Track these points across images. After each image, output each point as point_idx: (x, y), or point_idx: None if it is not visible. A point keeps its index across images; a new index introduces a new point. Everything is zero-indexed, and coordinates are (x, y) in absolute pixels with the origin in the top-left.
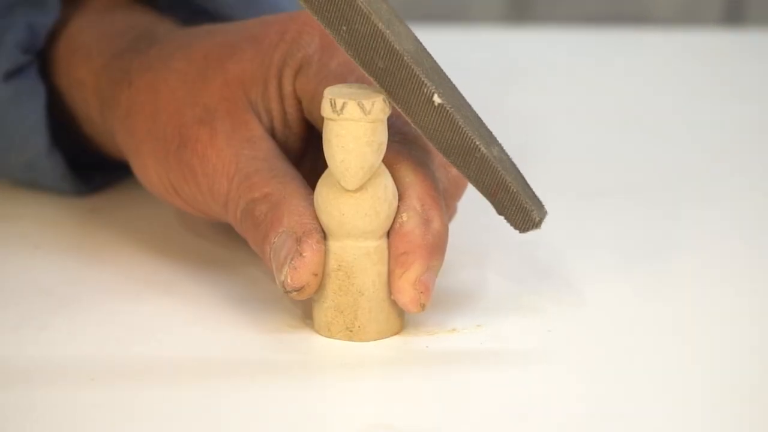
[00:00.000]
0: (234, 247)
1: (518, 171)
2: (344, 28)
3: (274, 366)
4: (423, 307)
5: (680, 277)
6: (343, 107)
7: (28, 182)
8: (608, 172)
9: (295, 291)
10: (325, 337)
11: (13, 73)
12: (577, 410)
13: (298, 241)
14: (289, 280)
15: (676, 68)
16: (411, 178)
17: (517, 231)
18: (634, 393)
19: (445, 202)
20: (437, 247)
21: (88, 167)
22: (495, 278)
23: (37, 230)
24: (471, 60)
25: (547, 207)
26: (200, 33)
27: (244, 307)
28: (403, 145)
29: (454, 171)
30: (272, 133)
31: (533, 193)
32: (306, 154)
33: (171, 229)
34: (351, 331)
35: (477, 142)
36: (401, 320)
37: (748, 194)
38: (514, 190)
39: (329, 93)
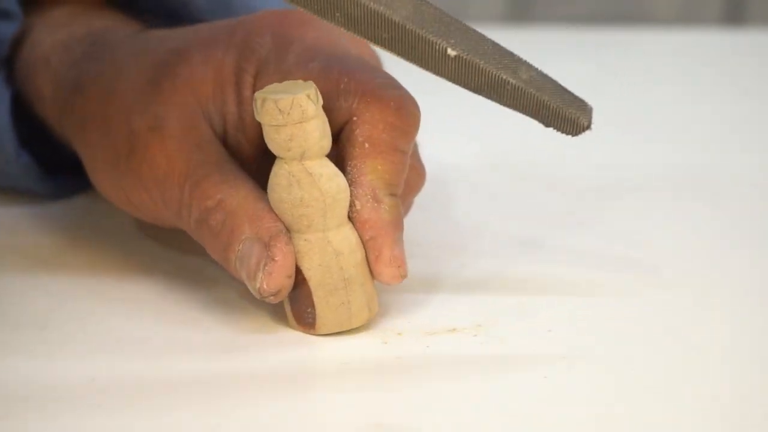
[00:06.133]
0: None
1: (552, 81)
2: (338, 14)
3: (272, 366)
4: (404, 277)
5: (680, 277)
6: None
7: (6, 188)
8: (607, 171)
9: (272, 295)
10: (313, 334)
11: None
12: (577, 410)
13: (267, 246)
14: (265, 286)
15: (676, 68)
16: (366, 164)
17: (570, 135)
18: (635, 393)
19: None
20: (395, 221)
21: (66, 169)
22: (495, 278)
23: (38, 230)
24: None
25: (547, 207)
26: (152, 39)
27: (238, 310)
28: (372, 127)
29: (417, 164)
30: (224, 137)
31: (573, 96)
32: (257, 160)
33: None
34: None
35: (503, 76)
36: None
37: (748, 194)
38: (554, 106)
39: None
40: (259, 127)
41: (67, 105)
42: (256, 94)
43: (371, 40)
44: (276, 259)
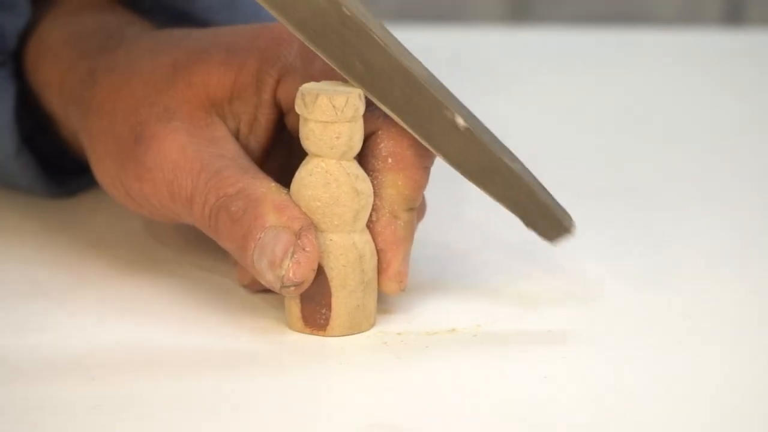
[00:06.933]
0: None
1: (540, 183)
2: (358, 64)
3: (273, 367)
4: (402, 291)
5: (680, 277)
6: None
7: (5, 185)
8: (608, 172)
9: (295, 286)
10: (319, 335)
11: None
12: (576, 410)
13: (298, 235)
14: (291, 275)
15: (676, 68)
16: (387, 178)
17: (548, 241)
18: (635, 393)
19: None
20: (408, 237)
21: (66, 170)
22: (495, 278)
23: (38, 230)
24: (471, 60)
25: None
26: (170, 38)
27: (240, 312)
28: (396, 143)
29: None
30: (236, 138)
31: (557, 203)
32: (263, 162)
33: (172, 228)
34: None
35: (504, 159)
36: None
37: (747, 194)
38: (543, 200)
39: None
40: (270, 130)
41: (76, 95)
42: (303, 88)
43: (381, 100)
44: (307, 249)
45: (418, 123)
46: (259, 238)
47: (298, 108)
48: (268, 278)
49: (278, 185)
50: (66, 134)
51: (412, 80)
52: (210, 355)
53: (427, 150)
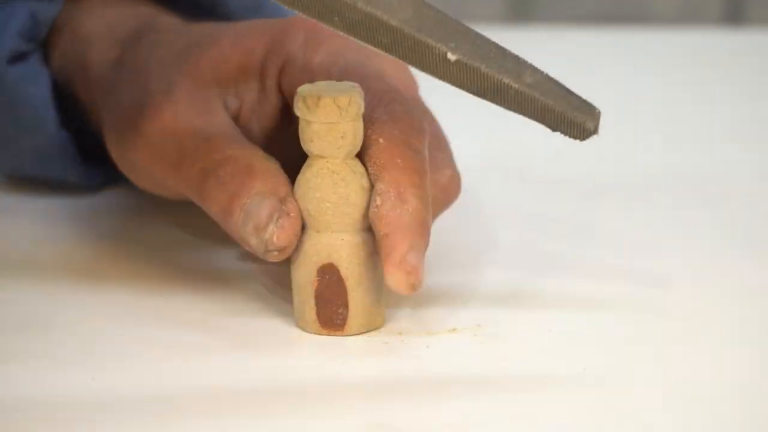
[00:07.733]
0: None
1: (558, 84)
2: (336, 18)
3: (272, 367)
4: (414, 287)
5: (681, 278)
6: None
7: (39, 173)
8: (607, 171)
9: (278, 251)
10: (316, 333)
11: (15, 60)
12: (577, 410)
13: (282, 201)
14: (275, 239)
15: (676, 68)
16: (385, 159)
17: (578, 140)
18: (635, 394)
19: (432, 210)
20: (417, 226)
21: (94, 165)
22: (495, 277)
23: (39, 229)
24: None
25: (547, 207)
26: (193, 27)
27: (241, 312)
28: (383, 124)
29: (444, 179)
30: (237, 120)
31: (580, 101)
32: (264, 148)
33: (175, 226)
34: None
35: (506, 80)
36: (382, 314)
37: (747, 194)
38: (560, 110)
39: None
40: (275, 118)
41: (102, 85)
42: (302, 92)
43: (372, 44)
44: (291, 214)
45: (414, 60)
46: (245, 203)
47: (300, 111)
48: (253, 243)
49: (266, 154)
50: (92, 123)
51: (391, 29)
52: (210, 355)
53: (414, 129)
